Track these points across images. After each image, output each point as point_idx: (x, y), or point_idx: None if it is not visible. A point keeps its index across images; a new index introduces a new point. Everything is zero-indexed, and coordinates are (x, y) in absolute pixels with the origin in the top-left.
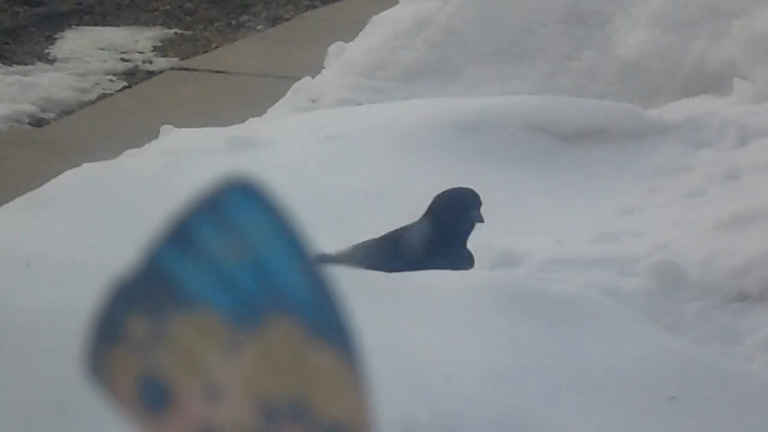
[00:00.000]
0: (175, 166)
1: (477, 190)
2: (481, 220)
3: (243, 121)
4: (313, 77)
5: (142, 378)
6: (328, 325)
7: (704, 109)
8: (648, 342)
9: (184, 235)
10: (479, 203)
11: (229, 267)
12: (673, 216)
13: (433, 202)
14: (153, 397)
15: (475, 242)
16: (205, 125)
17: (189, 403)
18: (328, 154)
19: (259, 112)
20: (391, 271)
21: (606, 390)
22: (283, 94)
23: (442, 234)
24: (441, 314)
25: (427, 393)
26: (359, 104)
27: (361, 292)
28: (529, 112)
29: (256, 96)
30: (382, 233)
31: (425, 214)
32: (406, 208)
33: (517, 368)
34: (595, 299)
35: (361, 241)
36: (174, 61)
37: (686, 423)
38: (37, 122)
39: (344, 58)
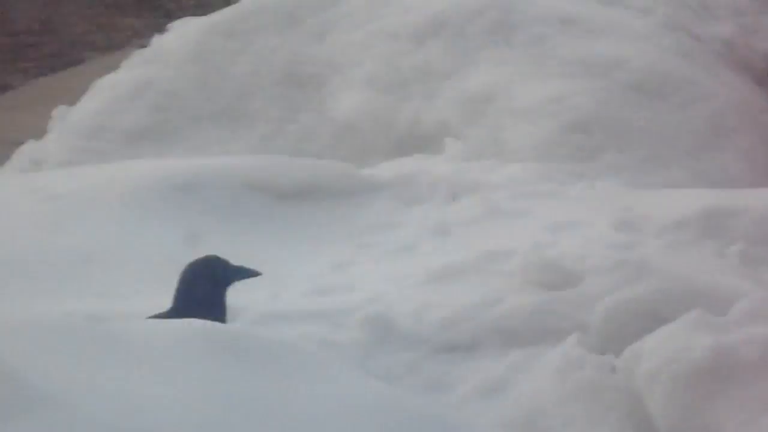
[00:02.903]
0: None
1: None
2: (256, 273)
3: None
4: (37, 140)
5: None
6: None
7: (416, 167)
8: (358, 391)
9: None
10: (225, 264)
11: None
12: (384, 270)
13: (182, 275)
14: None
15: None
16: None
17: None
18: (49, 214)
19: None
20: None
21: None
22: (9, 158)
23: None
24: (150, 363)
25: None
26: (81, 165)
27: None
28: (246, 172)
29: None
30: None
31: (178, 287)
32: (127, 267)
33: (225, 416)
34: (306, 349)
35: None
36: None
37: None
38: None
39: (67, 121)
